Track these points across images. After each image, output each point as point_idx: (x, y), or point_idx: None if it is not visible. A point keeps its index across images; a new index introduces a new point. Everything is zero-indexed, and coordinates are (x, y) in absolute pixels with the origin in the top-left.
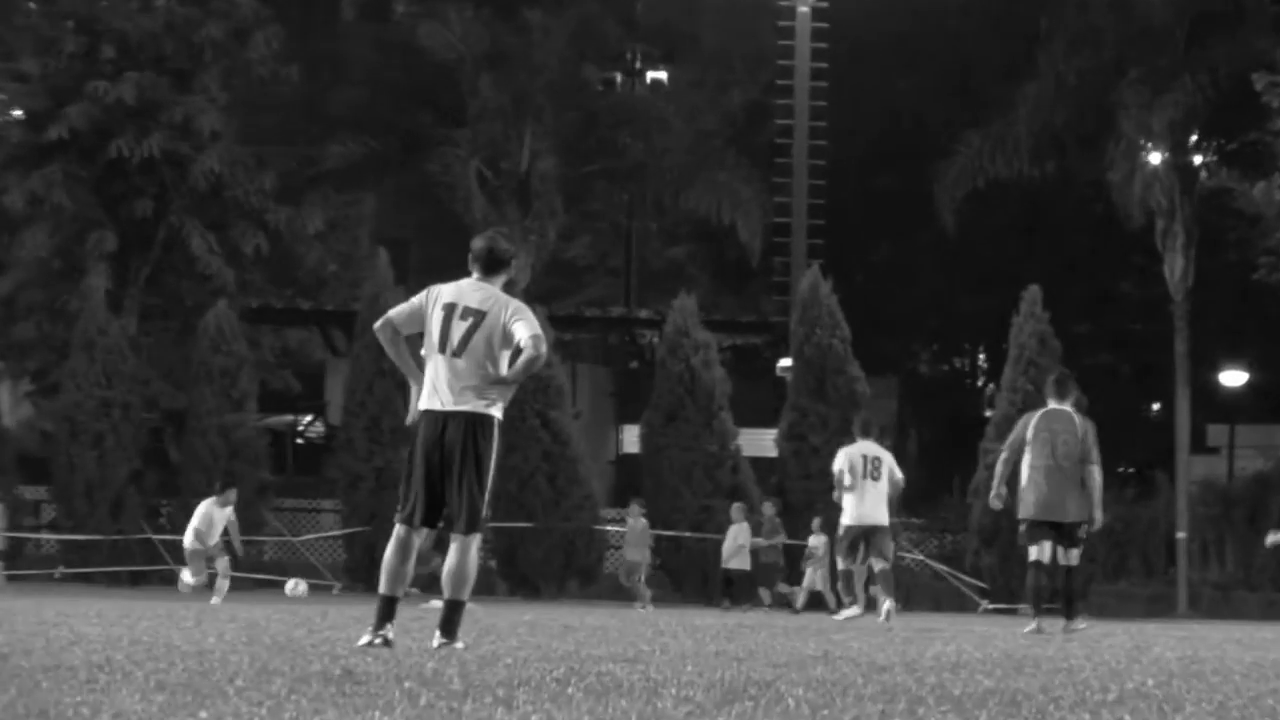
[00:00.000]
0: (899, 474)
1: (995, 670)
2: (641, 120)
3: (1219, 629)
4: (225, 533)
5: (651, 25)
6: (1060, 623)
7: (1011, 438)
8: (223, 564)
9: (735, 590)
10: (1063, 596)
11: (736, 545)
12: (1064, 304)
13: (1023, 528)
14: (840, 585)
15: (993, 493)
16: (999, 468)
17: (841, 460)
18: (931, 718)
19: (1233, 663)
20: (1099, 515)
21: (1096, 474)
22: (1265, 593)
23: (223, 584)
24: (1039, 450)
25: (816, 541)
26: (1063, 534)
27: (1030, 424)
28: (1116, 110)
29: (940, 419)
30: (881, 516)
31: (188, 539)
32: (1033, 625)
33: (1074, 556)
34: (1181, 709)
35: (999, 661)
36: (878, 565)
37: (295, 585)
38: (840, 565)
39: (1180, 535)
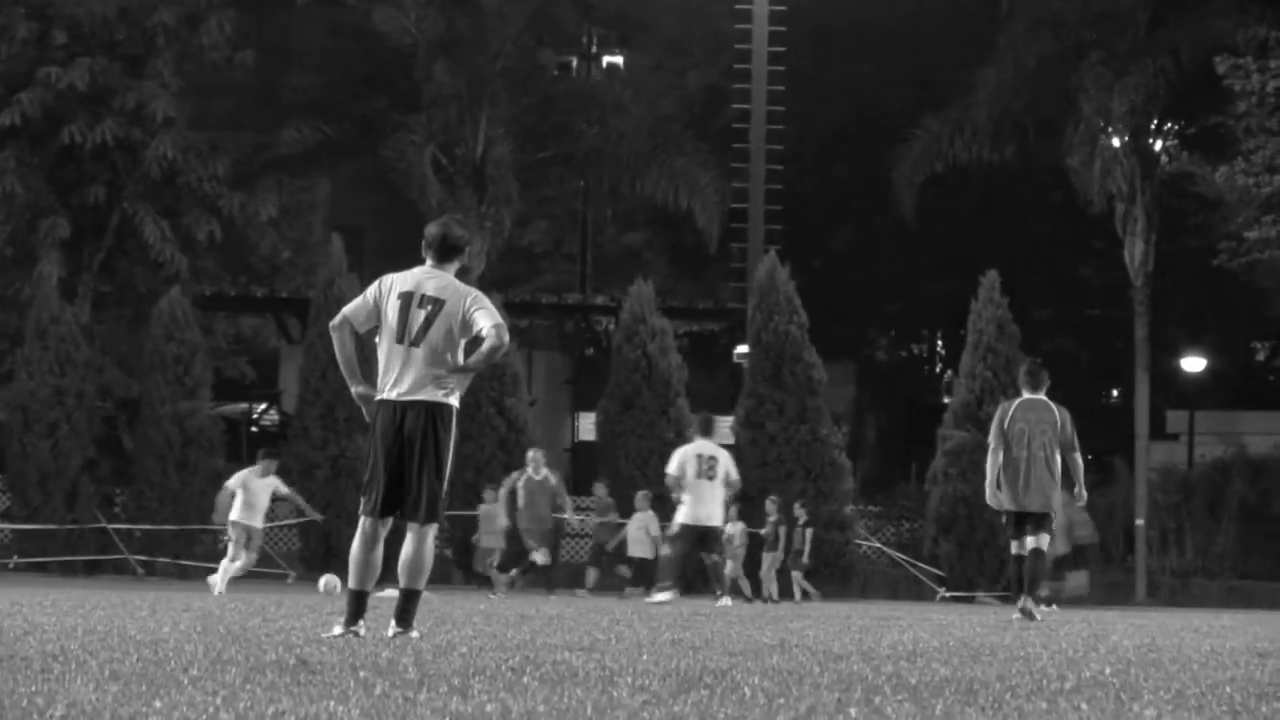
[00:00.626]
0: (735, 474)
1: (952, 659)
2: (598, 105)
3: (1177, 617)
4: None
5: (608, 9)
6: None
7: (994, 430)
8: (253, 553)
9: (636, 577)
10: (1027, 574)
11: (648, 536)
12: (1023, 289)
13: (1008, 517)
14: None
15: (989, 493)
16: (990, 460)
17: (676, 460)
18: (888, 706)
19: (1191, 651)
20: (1084, 493)
21: (1079, 459)
22: (1224, 580)
23: (236, 569)
24: (1015, 441)
25: (732, 529)
26: (1035, 521)
27: (1008, 414)
28: (1076, 94)
29: (898, 405)
30: (716, 517)
31: (233, 512)
32: (1019, 614)
33: (1044, 541)
34: (1139, 697)
35: (956, 650)
36: (708, 559)
37: (328, 581)
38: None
39: (1139, 522)
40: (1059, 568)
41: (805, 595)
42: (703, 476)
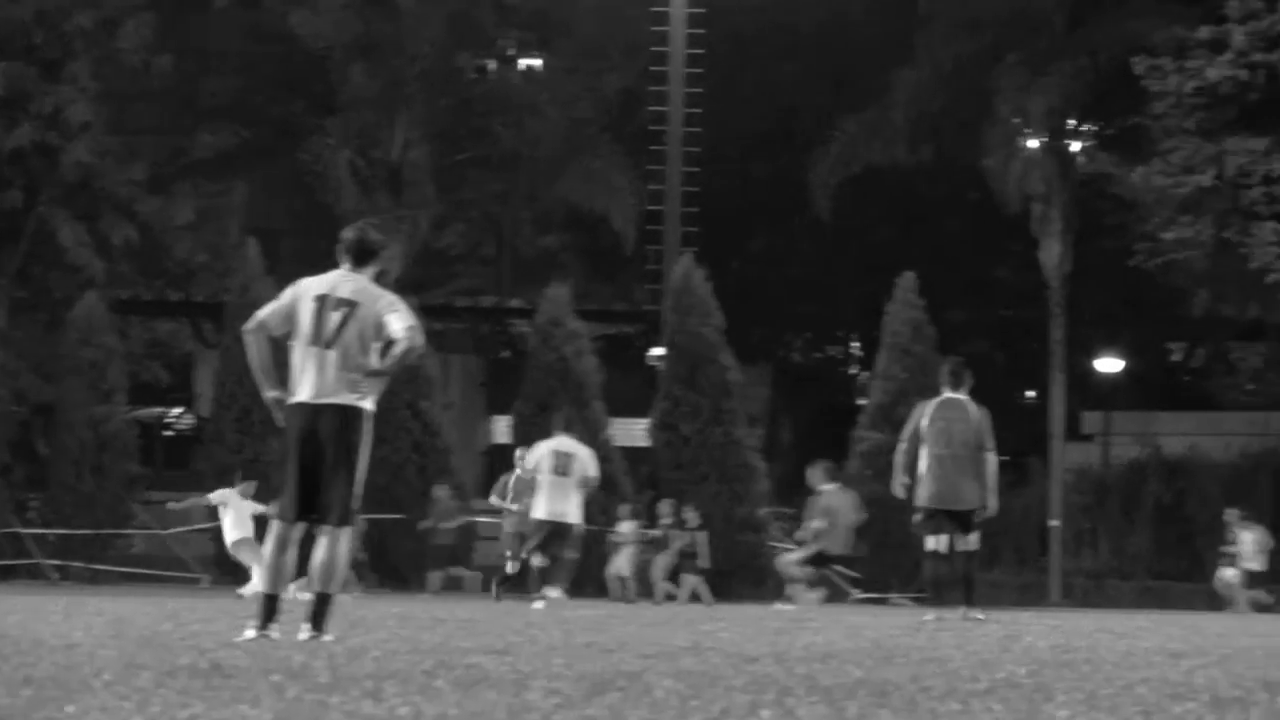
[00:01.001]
0: (592, 472)
1: (865, 660)
2: (515, 108)
3: (1092, 618)
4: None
5: (525, 12)
6: (959, 609)
7: (908, 427)
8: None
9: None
10: (962, 582)
11: None
12: (939, 291)
13: (919, 516)
14: (530, 578)
15: (896, 480)
16: (898, 458)
17: (532, 456)
18: (800, 709)
19: (1105, 652)
20: (993, 502)
21: (992, 461)
22: (1138, 581)
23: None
24: (935, 439)
25: (627, 528)
26: (960, 521)
27: (926, 413)
28: (994, 95)
29: (813, 407)
30: (571, 513)
31: (233, 534)
32: (933, 615)
33: (972, 541)
34: (1052, 698)
35: (869, 652)
36: (566, 554)
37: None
38: (530, 560)
39: (1054, 523)
40: (819, 564)
41: (695, 597)
42: (557, 473)
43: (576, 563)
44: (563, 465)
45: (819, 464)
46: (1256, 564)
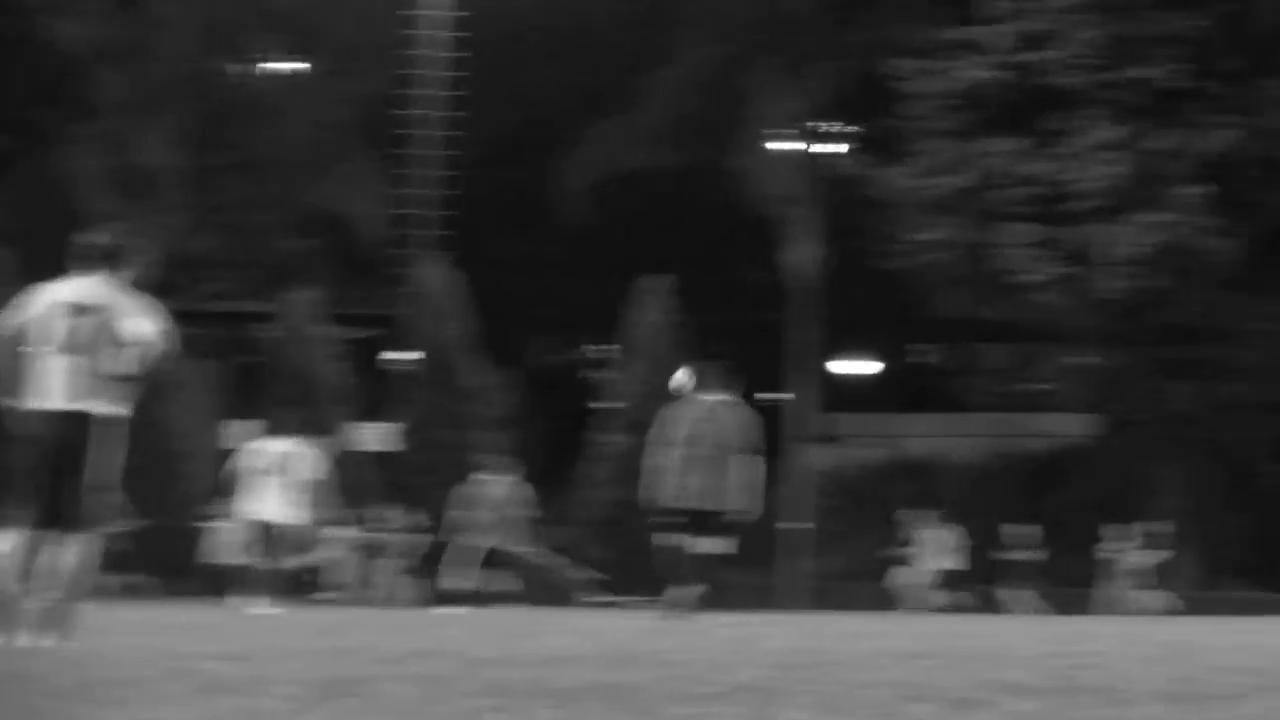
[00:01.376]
0: (315, 474)
1: (602, 663)
2: (269, 113)
3: (835, 620)
4: None
5: (281, 16)
6: (702, 615)
7: (669, 428)
8: None
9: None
10: (702, 583)
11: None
12: (691, 293)
13: (665, 516)
14: (248, 581)
15: (650, 481)
16: (657, 459)
17: (257, 456)
18: (534, 712)
19: (846, 653)
20: (752, 504)
21: (756, 463)
22: (882, 582)
23: None
24: (692, 440)
25: (348, 533)
26: (710, 523)
27: (691, 414)
28: (750, 96)
29: (562, 410)
30: (284, 514)
31: None
32: (673, 610)
33: (722, 545)
34: (791, 701)
35: (607, 654)
36: (277, 561)
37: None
38: (250, 561)
39: (794, 525)
40: (490, 562)
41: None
42: (278, 474)
43: (286, 571)
44: (280, 465)
45: (491, 456)
46: (948, 562)
